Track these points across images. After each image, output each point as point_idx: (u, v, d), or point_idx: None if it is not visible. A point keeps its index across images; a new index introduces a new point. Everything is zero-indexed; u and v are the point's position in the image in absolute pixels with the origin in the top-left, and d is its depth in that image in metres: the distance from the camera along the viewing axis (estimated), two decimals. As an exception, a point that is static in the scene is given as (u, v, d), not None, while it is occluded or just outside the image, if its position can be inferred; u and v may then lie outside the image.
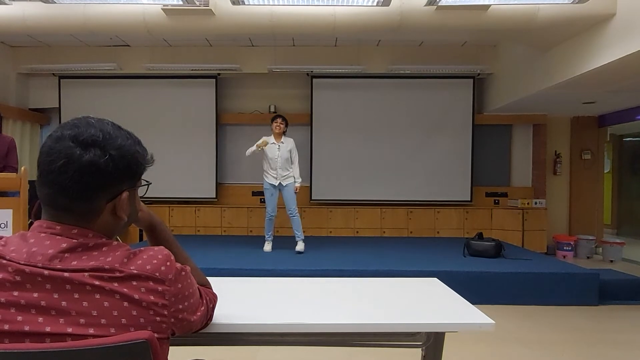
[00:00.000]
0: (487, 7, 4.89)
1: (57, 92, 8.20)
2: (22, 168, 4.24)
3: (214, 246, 6.68)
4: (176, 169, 7.95)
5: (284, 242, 6.90)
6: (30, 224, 4.23)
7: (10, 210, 4.15)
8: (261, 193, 8.23)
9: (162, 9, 5.11)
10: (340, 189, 7.97)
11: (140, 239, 7.42)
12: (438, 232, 7.90)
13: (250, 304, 1.70)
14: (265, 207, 6.31)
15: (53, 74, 8.13)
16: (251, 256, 5.91)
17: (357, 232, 7.83)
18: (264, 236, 6.39)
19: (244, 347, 1.80)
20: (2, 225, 4.15)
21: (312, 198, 8.08)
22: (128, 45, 7.92)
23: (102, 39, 7.52)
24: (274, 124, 6.15)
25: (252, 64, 7.89)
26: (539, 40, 5.62)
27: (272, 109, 8.26)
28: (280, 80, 8.30)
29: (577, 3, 4.63)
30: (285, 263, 5.47)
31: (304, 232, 6.35)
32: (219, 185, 8.24)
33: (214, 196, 8.17)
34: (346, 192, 8.02)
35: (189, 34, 5.63)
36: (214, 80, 8.14)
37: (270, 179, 6.17)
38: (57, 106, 8.22)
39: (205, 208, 8.04)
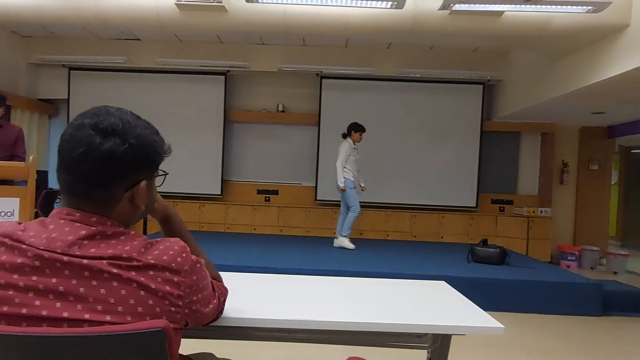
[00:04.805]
0: (500, 13, 4.88)
1: (67, 83, 8.22)
2: (31, 157, 4.25)
3: (218, 243, 6.68)
4: (182, 164, 7.95)
5: (287, 241, 6.92)
6: (36, 214, 4.20)
7: (17, 199, 4.15)
8: (266, 192, 8.30)
9: (176, 3, 5.12)
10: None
11: (144, 232, 7.42)
12: (442, 237, 7.88)
13: (258, 300, 1.70)
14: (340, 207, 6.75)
15: (63, 65, 8.15)
16: (254, 254, 5.91)
17: (361, 234, 7.82)
18: (344, 233, 6.61)
19: (245, 343, 1.80)
20: (9, 214, 4.15)
21: (317, 198, 8.08)
22: (138, 39, 7.94)
23: (113, 32, 7.54)
24: (362, 136, 6.59)
25: (262, 62, 7.90)
26: (551, 49, 5.61)
27: (280, 108, 8.27)
28: (289, 79, 8.30)
29: (591, 12, 4.62)
30: (288, 262, 5.46)
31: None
32: (224, 182, 8.24)
33: (219, 193, 8.18)
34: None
35: (201, 29, 5.64)
36: (224, 77, 8.14)
37: (351, 177, 6.52)
38: (66, 97, 8.23)
39: (210, 204, 8.05)
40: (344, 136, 6.58)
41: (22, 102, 7.75)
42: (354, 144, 6.52)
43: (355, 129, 6.51)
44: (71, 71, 8.20)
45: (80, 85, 8.21)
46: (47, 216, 1.06)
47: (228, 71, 8.10)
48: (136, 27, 5.75)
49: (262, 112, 8.31)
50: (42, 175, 7.35)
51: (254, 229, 7.98)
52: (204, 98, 8.17)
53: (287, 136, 8.37)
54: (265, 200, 8.28)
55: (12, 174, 4.30)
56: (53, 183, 7.92)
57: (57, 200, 7.23)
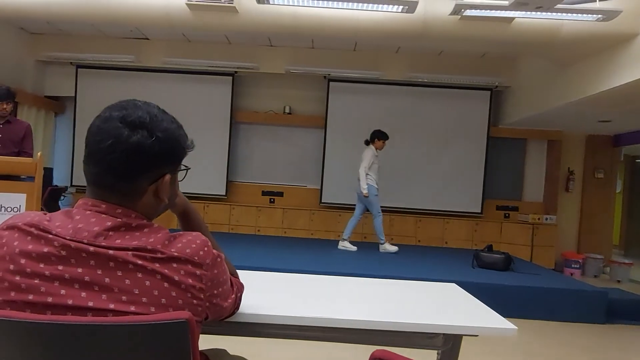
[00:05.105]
0: (511, 19, 4.89)
1: (74, 81, 8.24)
2: (39, 154, 4.27)
3: (221, 243, 6.60)
4: (187, 163, 7.91)
5: (292, 243, 6.92)
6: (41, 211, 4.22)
7: (24, 195, 4.16)
8: (270, 193, 8.30)
9: (187, 3, 5.14)
10: (350, 193, 7.92)
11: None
12: (446, 243, 7.87)
13: (269, 298, 1.70)
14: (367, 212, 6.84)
15: (71, 62, 8.17)
16: (258, 255, 5.91)
17: (365, 237, 7.80)
18: (380, 240, 6.73)
19: (257, 340, 1.80)
20: (15, 209, 4.16)
21: (322, 201, 8.08)
22: (147, 39, 7.96)
23: (121, 31, 7.56)
24: (385, 144, 6.66)
25: (270, 64, 7.92)
26: (561, 56, 5.61)
27: (287, 110, 8.28)
28: (296, 81, 8.31)
29: (601, 21, 4.62)
30: (292, 264, 5.46)
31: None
32: (229, 183, 8.25)
33: (224, 193, 8.18)
34: (356, 197, 8.01)
35: (211, 30, 5.66)
36: (231, 77, 8.16)
37: (374, 184, 6.60)
38: (73, 95, 8.24)
39: (215, 205, 8.05)
40: (367, 143, 6.61)
41: (29, 98, 7.76)
42: (377, 152, 6.55)
43: (379, 137, 6.55)
44: (78, 69, 8.22)
45: (87, 83, 8.23)
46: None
47: (235, 72, 8.12)
48: (146, 26, 5.78)
49: (269, 113, 8.32)
50: (47, 172, 7.36)
51: (258, 230, 7.98)
52: (211, 98, 8.18)
53: (293, 138, 8.37)
54: (270, 201, 8.29)
55: (19, 170, 4.31)
56: (58, 180, 7.93)
57: (62, 198, 7.24)
